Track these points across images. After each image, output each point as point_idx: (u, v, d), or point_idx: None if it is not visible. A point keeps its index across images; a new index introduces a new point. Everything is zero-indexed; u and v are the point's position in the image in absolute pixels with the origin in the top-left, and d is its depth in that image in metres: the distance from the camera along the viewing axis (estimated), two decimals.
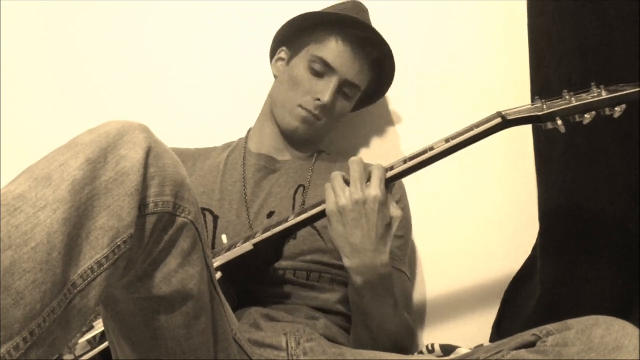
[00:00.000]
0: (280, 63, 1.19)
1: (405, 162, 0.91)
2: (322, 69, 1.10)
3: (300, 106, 1.10)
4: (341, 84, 1.10)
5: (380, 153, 1.33)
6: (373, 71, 1.16)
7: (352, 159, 0.91)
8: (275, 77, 1.20)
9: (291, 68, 1.14)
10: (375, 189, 0.88)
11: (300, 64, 1.12)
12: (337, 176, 0.91)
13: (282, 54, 1.19)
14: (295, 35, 1.16)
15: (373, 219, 0.87)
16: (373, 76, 1.17)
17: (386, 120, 1.35)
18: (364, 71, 1.13)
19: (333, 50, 1.09)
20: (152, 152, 0.64)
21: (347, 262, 0.89)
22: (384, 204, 0.88)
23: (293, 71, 1.12)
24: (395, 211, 0.90)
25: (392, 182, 0.92)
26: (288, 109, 1.11)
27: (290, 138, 1.15)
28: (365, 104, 1.26)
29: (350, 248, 0.88)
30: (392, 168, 0.91)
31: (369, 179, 0.90)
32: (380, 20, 1.20)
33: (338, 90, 1.10)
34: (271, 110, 1.16)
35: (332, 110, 1.12)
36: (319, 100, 1.09)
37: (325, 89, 1.09)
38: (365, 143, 1.35)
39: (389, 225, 0.89)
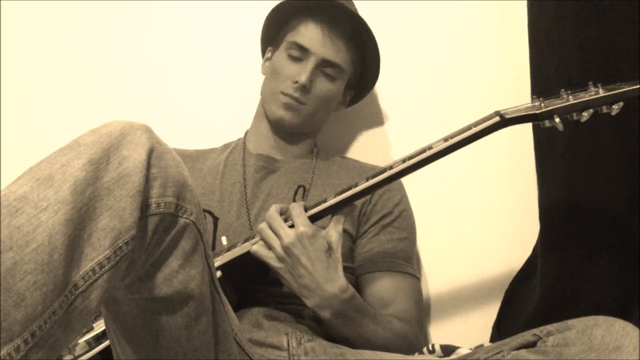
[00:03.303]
0: (267, 62, 1.20)
1: (404, 161, 0.91)
2: (299, 53, 1.10)
3: (282, 92, 1.10)
4: (319, 63, 1.09)
5: (378, 152, 1.33)
6: (353, 48, 1.14)
7: (267, 213, 0.92)
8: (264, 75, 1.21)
9: (273, 61, 1.15)
10: (298, 227, 0.89)
11: (280, 54, 1.13)
12: (263, 229, 0.91)
13: (269, 53, 1.20)
14: (275, 32, 1.18)
15: (309, 254, 0.88)
16: (356, 54, 1.15)
17: (385, 120, 1.35)
18: (341, 49, 1.11)
19: (305, 32, 1.10)
20: (154, 152, 0.63)
21: (309, 303, 0.90)
22: (313, 236, 0.88)
23: (274, 63, 1.14)
24: (330, 235, 0.90)
25: (392, 181, 0.92)
26: (272, 99, 1.12)
27: (282, 131, 1.15)
28: (361, 93, 1.25)
29: (305, 290, 0.89)
30: (391, 167, 0.91)
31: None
32: (381, 19, 1.20)
33: (316, 70, 1.09)
34: (263, 109, 1.16)
35: (313, 92, 1.10)
36: (296, 82, 1.08)
37: (302, 70, 1.09)
38: (364, 142, 1.35)
39: (329, 250, 0.90)
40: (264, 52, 1.22)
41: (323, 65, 1.10)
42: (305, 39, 1.10)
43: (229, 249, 0.95)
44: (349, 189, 0.92)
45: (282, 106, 1.10)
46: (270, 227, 0.91)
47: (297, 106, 1.10)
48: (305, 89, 1.09)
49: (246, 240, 0.95)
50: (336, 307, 0.90)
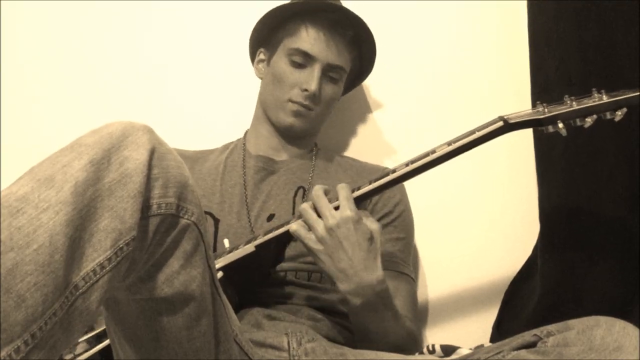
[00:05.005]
0: (261, 65, 1.19)
1: (407, 165, 0.91)
2: (302, 60, 1.09)
3: (290, 100, 1.10)
4: (324, 69, 1.10)
5: (378, 152, 1.33)
6: (354, 49, 1.15)
7: (313, 192, 0.90)
8: (260, 79, 1.20)
9: (272, 66, 1.14)
10: (344, 210, 0.87)
11: (280, 60, 1.12)
12: (305, 209, 0.90)
13: (261, 55, 1.19)
14: (268, 34, 1.16)
15: (352, 238, 0.87)
16: (355, 53, 1.16)
17: (385, 119, 1.35)
18: (343, 52, 1.12)
19: (307, 38, 1.09)
20: (155, 153, 0.63)
21: (343, 287, 0.88)
22: (358, 221, 0.87)
23: (275, 69, 1.12)
24: (371, 224, 0.89)
25: (396, 184, 0.92)
26: (279, 106, 1.11)
27: (288, 135, 1.15)
28: (354, 84, 1.25)
29: (342, 274, 0.88)
30: (394, 171, 0.91)
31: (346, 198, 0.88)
32: (381, 19, 1.20)
33: (322, 76, 1.10)
34: (263, 112, 1.16)
35: (321, 98, 1.11)
36: (306, 90, 1.08)
37: (310, 78, 1.08)
38: (363, 142, 1.35)
39: (371, 239, 0.88)
40: (253, 54, 1.21)
41: (328, 69, 1.10)
42: (308, 45, 1.09)
43: (230, 251, 0.95)
44: (358, 189, 0.92)
45: (291, 114, 1.10)
46: (315, 206, 0.89)
47: (306, 113, 1.10)
48: (315, 96, 1.09)
49: (248, 241, 0.95)
50: (368, 297, 0.88)
